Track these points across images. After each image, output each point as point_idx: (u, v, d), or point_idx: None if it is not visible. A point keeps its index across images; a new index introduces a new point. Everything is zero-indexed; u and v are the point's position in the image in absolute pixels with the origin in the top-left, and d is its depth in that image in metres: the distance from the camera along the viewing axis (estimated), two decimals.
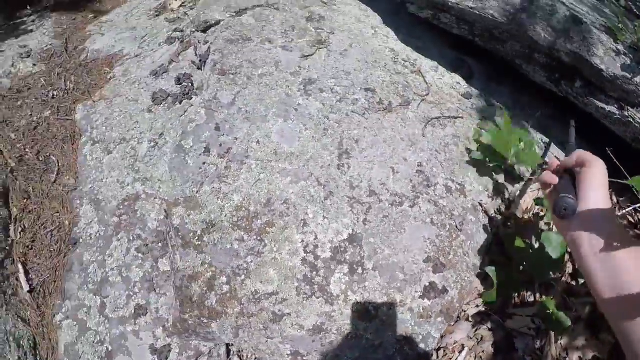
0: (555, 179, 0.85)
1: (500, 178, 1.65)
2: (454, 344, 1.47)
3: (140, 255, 1.60)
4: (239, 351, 1.59)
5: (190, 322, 1.45)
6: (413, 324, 1.36)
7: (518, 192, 1.61)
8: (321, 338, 1.38)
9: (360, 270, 1.39)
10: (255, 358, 1.58)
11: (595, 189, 0.75)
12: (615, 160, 1.58)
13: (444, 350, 1.47)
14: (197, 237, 1.50)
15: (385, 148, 1.59)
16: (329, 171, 1.54)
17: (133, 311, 1.54)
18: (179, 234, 1.53)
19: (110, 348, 1.51)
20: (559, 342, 1.52)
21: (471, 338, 1.50)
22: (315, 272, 1.40)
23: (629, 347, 0.62)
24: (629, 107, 1.66)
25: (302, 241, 1.44)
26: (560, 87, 1.83)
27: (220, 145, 1.65)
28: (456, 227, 1.45)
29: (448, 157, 1.61)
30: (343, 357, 1.37)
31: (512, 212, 1.54)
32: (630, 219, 1.77)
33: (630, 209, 1.71)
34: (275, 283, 1.43)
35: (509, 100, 1.99)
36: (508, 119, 1.60)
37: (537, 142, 1.86)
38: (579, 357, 1.53)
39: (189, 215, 1.55)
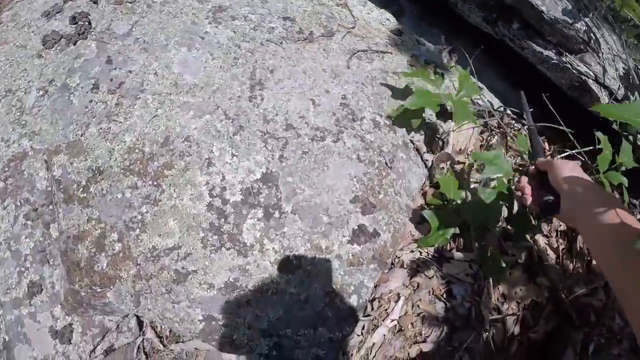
0: (527, 188, 0.93)
1: (431, 113, 1.41)
2: (389, 293, 1.24)
3: (29, 222, 1.26)
4: (152, 322, 1.27)
5: (82, 294, 1.15)
6: (342, 273, 1.11)
7: (451, 130, 1.39)
8: (236, 297, 1.10)
9: (277, 214, 1.12)
10: (170, 330, 1.28)
11: (569, 178, 0.81)
12: (550, 106, 1.40)
13: (379, 301, 1.24)
14: (81, 189, 1.18)
15: (305, 79, 1.31)
16: (238, 103, 1.25)
17: (27, 290, 1.20)
18: (61, 186, 1.19)
19: (6, 338, 1.16)
20: (497, 287, 1.32)
21: (407, 286, 1.28)
22: (223, 219, 1.12)
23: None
24: (567, 53, 1.50)
25: (207, 183, 1.14)
26: (496, 29, 1.64)
27: (112, 79, 1.32)
28: (386, 164, 1.21)
29: (375, 91, 1.36)
30: (264, 317, 1.10)
31: (445, 152, 1.32)
32: None
33: (560, 156, 1.54)
34: (176, 235, 1.13)
35: (440, 42, 1.76)
36: (464, 73, 1.37)
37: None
38: (517, 302, 1.35)
39: (71, 164, 1.22)
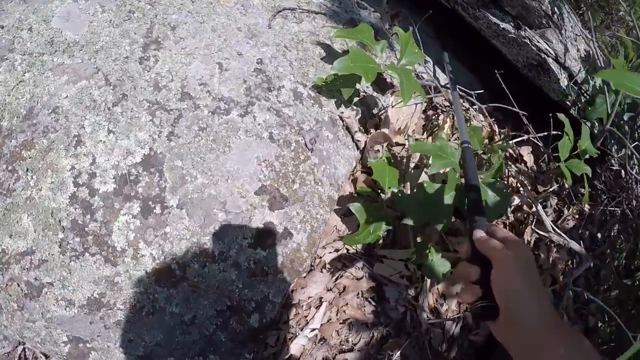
0: (471, 275, 0.49)
1: (367, 85, 0.98)
2: (309, 299, 0.83)
3: None
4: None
5: None
6: (241, 285, 0.70)
7: (390, 106, 0.96)
8: (102, 317, 0.69)
9: (158, 209, 0.69)
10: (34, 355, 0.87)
11: (515, 292, 0.45)
12: (504, 86, 0.98)
13: (296, 308, 0.83)
14: None
15: (214, 38, 0.86)
16: (125, 66, 0.79)
17: None
18: None
19: None
20: (436, 287, 0.94)
21: (331, 289, 0.88)
22: (89, 216, 0.69)
23: None
24: (526, 27, 1.06)
25: (73, 168, 0.72)
26: None
27: None
28: (305, 145, 0.79)
29: (301, 56, 0.92)
30: (138, 342, 0.69)
31: (381, 131, 0.89)
32: (512, 152, 1.20)
33: (512, 141, 1.13)
34: (29, 236, 0.70)
35: (388, 6, 1.30)
36: (407, 35, 0.93)
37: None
38: (458, 302, 0.97)
39: None
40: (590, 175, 0.98)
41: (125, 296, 0.73)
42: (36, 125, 0.80)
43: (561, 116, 0.98)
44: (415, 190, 0.93)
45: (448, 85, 1.23)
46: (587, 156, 0.96)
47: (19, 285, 0.75)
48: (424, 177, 0.97)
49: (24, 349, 0.96)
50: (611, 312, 0.94)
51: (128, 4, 0.95)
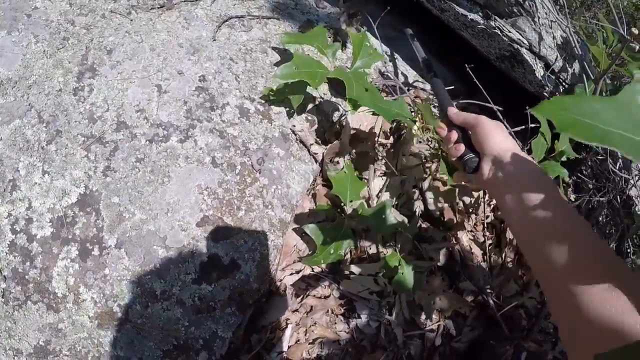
0: (455, 135, 0.65)
1: (324, 92, 0.93)
2: (271, 324, 0.81)
3: None
4: None
5: None
6: (187, 323, 0.68)
7: (349, 112, 0.92)
8: None
9: (96, 251, 0.68)
10: None
11: (493, 138, 0.59)
12: (475, 80, 0.93)
13: (258, 335, 0.81)
14: None
15: (153, 58, 0.83)
16: (58, 99, 0.77)
17: None
18: None
19: None
20: (412, 298, 0.90)
21: (296, 310, 0.85)
22: (29, 263, 0.68)
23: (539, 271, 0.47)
24: (496, 17, 1.01)
25: (10, 215, 0.71)
26: None
27: None
28: (252, 166, 0.75)
29: (249, 67, 0.88)
30: None
31: (338, 141, 0.85)
32: None
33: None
34: None
35: (346, 5, 1.23)
36: (360, 36, 0.88)
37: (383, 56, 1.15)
38: (437, 310, 0.94)
39: None
40: (567, 179, 0.92)
41: (70, 342, 0.72)
42: None
43: (538, 115, 0.92)
44: (377, 205, 0.89)
45: (415, 84, 1.17)
46: (564, 158, 0.90)
47: None
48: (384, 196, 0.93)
49: None
50: None
51: (62, 30, 0.92)
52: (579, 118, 0.30)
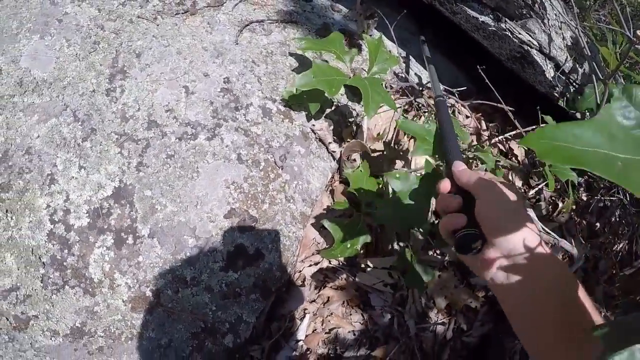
0: (453, 203, 0.51)
1: (341, 93, 1.01)
2: (290, 313, 0.89)
3: None
4: None
5: None
6: (214, 308, 0.76)
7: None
8: (85, 344, 0.76)
9: (130, 240, 0.76)
10: None
11: (500, 219, 0.46)
12: (487, 81, 1.00)
13: (278, 323, 0.89)
14: None
15: (180, 61, 0.91)
16: (92, 99, 0.86)
17: None
18: None
19: None
20: (424, 291, 0.97)
21: (314, 301, 0.92)
22: (67, 251, 0.76)
23: None
24: (506, 19, 1.08)
25: (48, 206, 0.78)
26: None
27: None
28: (275, 163, 0.83)
29: (270, 69, 0.96)
30: None
31: (356, 140, 0.92)
32: (501, 147, 1.22)
33: (500, 137, 1.14)
34: (13, 273, 0.78)
35: (362, 8, 1.31)
36: (376, 42, 0.96)
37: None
38: (448, 304, 1.00)
39: None
40: (576, 182, 0.99)
41: (105, 324, 0.79)
42: (12, 167, 0.87)
43: (547, 119, 0.99)
44: (390, 196, 0.96)
45: (429, 85, 1.25)
46: None
47: (7, 319, 0.82)
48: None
49: None
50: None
51: (93, 35, 1.01)
52: (557, 144, 0.32)
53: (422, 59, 1.26)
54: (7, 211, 0.84)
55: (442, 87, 1.19)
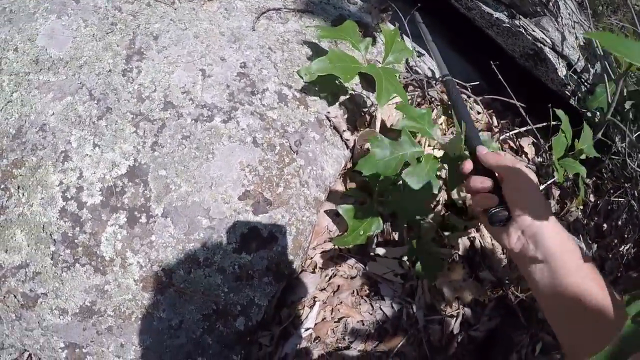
0: (486, 184, 0.55)
1: (356, 83, 1.00)
2: (301, 300, 0.87)
3: None
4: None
5: None
6: (227, 289, 0.75)
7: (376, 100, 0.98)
8: (94, 324, 0.74)
9: (144, 219, 0.74)
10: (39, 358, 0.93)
11: (528, 199, 0.52)
12: (500, 77, 0.99)
13: (288, 309, 0.87)
14: None
15: (196, 45, 0.90)
16: (108, 79, 0.84)
17: None
18: None
19: None
20: (433, 284, 0.96)
21: (324, 289, 0.91)
22: (79, 228, 0.74)
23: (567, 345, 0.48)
24: (521, 16, 1.07)
25: (61, 183, 0.76)
26: None
27: None
28: (290, 147, 0.82)
29: (286, 56, 0.95)
30: (129, 347, 0.73)
31: (369, 129, 0.91)
32: (512, 144, 1.21)
33: (510, 133, 1.13)
34: (23, 250, 0.76)
35: (377, 1, 1.30)
36: (392, 32, 0.95)
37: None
38: (456, 298, 0.99)
39: None
40: (585, 176, 0.98)
41: (115, 303, 0.77)
42: (25, 143, 0.85)
43: (559, 112, 0.98)
44: (401, 185, 0.95)
45: (444, 78, 1.24)
46: (583, 156, 0.96)
47: (15, 297, 0.80)
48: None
49: (29, 355, 1.02)
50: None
51: (110, 16, 1.00)
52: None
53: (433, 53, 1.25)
54: (19, 187, 0.82)
55: (455, 80, 1.18)
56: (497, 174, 0.56)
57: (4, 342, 0.90)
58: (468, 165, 0.59)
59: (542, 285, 0.50)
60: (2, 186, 0.83)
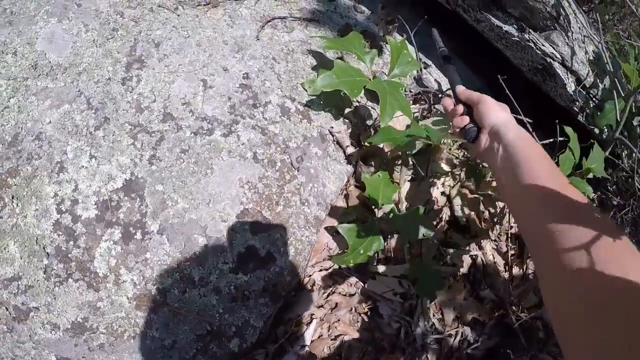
0: (461, 108, 0.71)
1: (361, 95, 0.96)
2: (298, 317, 0.84)
3: None
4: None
5: None
6: (222, 310, 0.71)
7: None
8: (86, 340, 0.71)
9: (138, 235, 0.71)
10: None
11: (494, 112, 0.65)
12: (507, 91, 0.95)
13: (284, 327, 0.84)
14: None
15: (199, 54, 0.86)
16: (107, 88, 0.81)
17: None
18: None
19: None
20: (433, 302, 0.93)
21: (322, 306, 0.88)
22: (72, 242, 0.72)
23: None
24: (530, 30, 1.03)
25: (56, 195, 0.74)
26: None
27: None
28: (291, 164, 0.79)
29: (291, 67, 0.91)
30: None
31: (375, 144, 0.88)
32: None
33: None
34: (16, 262, 0.73)
35: (384, 12, 1.26)
36: (399, 45, 0.91)
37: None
38: (457, 316, 0.96)
39: None
40: (592, 197, 0.95)
41: (108, 321, 0.75)
42: (21, 152, 0.82)
43: (568, 129, 0.94)
44: (408, 211, 0.92)
45: (448, 92, 1.20)
46: (590, 175, 0.93)
47: (7, 309, 0.78)
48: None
49: None
50: None
51: (112, 21, 0.96)
52: None
53: (442, 65, 1.22)
54: (13, 197, 0.80)
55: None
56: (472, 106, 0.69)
57: None
58: (448, 101, 0.75)
59: (505, 177, 0.57)
60: None
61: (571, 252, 0.39)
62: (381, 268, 0.95)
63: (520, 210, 0.54)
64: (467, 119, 0.69)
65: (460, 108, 0.71)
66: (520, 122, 1.16)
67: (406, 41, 1.04)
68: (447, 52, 0.84)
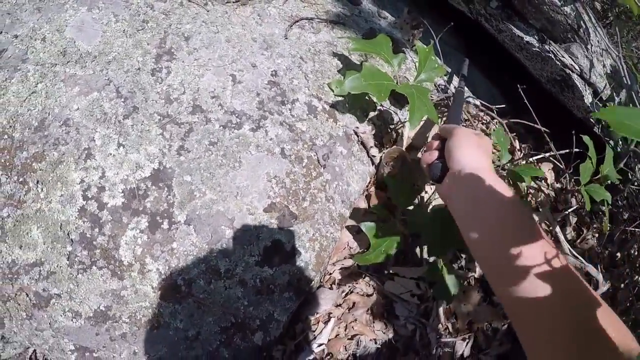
0: (435, 143, 0.68)
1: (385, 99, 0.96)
2: (317, 315, 0.83)
3: None
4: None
5: None
6: (247, 303, 0.70)
7: (407, 120, 0.94)
8: (108, 329, 0.69)
9: (166, 225, 0.69)
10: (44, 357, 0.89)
11: (460, 150, 0.59)
12: (525, 100, 0.96)
13: (303, 324, 0.83)
14: None
15: (228, 49, 0.86)
16: (137, 77, 0.80)
17: None
18: None
19: None
20: (448, 306, 0.92)
21: (340, 305, 0.86)
22: (98, 229, 0.70)
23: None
24: (551, 41, 1.04)
25: (82, 182, 0.72)
26: (471, 6, 1.17)
27: None
28: (318, 161, 0.78)
29: (317, 67, 0.91)
30: (142, 355, 0.69)
31: (396, 147, 0.87)
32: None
33: (534, 158, 1.09)
34: (38, 248, 0.71)
35: (409, 17, 1.27)
36: (426, 50, 0.92)
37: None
38: (470, 321, 0.95)
39: None
40: (610, 202, 0.95)
41: (131, 310, 0.73)
42: (47, 137, 0.81)
43: (586, 138, 0.95)
44: (430, 211, 0.91)
45: (468, 99, 1.20)
46: (608, 182, 0.93)
47: (27, 296, 0.76)
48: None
49: (34, 351, 0.97)
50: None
51: (142, 13, 0.95)
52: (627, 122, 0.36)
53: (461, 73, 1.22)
54: (38, 182, 0.78)
55: (479, 102, 1.15)
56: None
57: (11, 338, 0.86)
58: (432, 143, 0.69)
59: (459, 211, 0.54)
60: (21, 179, 0.79)
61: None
62: (399, 269, 0.94)
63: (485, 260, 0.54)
64: (436, 154, 0.64)
65: (435, 143, 0.67)
66: (535, 132, 1.16)
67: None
68: (464, 86, 0.83)
